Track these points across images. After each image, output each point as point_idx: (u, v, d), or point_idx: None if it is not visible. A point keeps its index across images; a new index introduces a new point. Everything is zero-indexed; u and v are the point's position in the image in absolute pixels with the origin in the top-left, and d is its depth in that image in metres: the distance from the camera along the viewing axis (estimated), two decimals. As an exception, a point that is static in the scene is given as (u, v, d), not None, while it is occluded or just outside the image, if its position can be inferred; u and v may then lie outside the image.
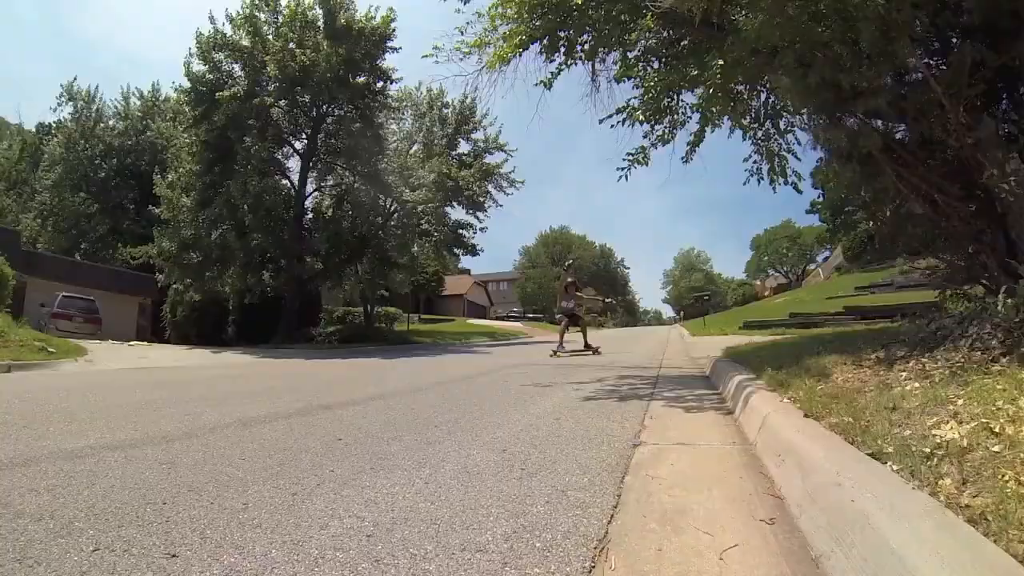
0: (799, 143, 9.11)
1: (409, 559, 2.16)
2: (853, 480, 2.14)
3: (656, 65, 8.73)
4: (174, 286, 29.29)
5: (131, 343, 24.05)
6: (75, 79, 43.36)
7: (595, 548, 2.26)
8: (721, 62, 6.89)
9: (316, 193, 30.48)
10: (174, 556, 2.20)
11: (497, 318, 68.42)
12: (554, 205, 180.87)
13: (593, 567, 2.12)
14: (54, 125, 44.71)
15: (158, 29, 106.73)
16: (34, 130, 49.20)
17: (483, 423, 5.07)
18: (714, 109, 8.07)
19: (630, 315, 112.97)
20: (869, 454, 2.45)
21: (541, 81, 8.71)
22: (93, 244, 40.46)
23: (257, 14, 25.74)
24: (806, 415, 3.42)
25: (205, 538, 2.38)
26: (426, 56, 9.09)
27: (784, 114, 8.96)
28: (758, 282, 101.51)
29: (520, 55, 8.51)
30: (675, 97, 8.79)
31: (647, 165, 8.80)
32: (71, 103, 42.45)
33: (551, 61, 8.55)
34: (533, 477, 3.27)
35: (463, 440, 4.32)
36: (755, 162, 9.34)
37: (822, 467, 2.44)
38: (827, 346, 6.62)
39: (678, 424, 4.84)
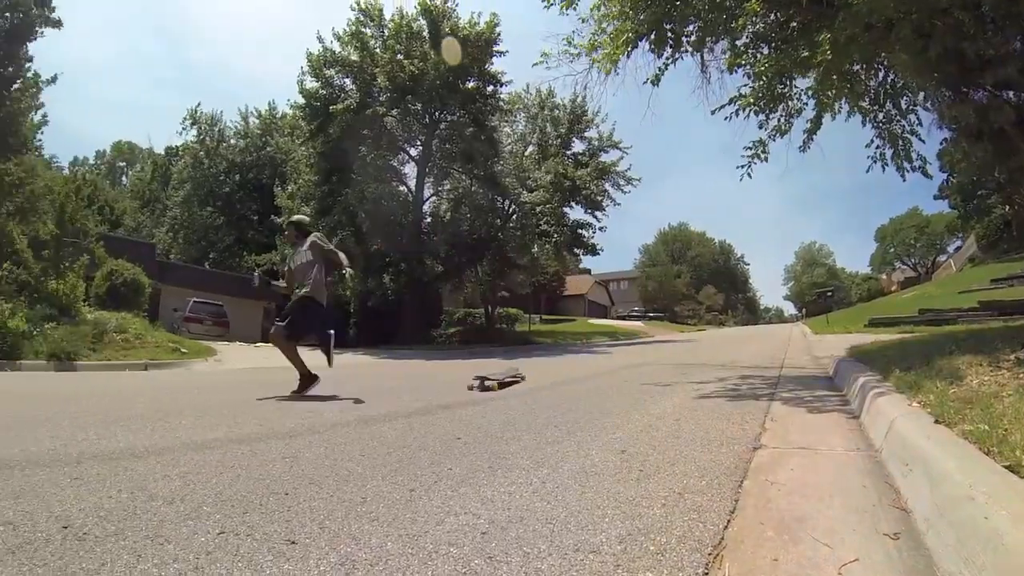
0: (922, 124, 8.57)
1: (522, 557, 2.18)
2: (987, 494, 1.94)
3: (766, 51, 8.45)
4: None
5: (257, 344, 25.60)
6: (199, 104, 47.76)
7: (709, 554, 2.21)
8: (832, 38, 6.56)
9: (434, 198, 31.62)
10: (293, 543, 2.32)
11: (618, 317, 67.99)
12: (671, 201, 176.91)
13: (707, 574, 2.07)
14: (181, 147, 49.02)
15: (268, 53, 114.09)
16: (163, 152, 53.99)
17: (602, 423, 5.06)
18: (830, 92, 7.73)
19: (751, 313, 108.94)
20: (1006, 466, 2.23)
21: (648, 79, 8.68)
22: (221, 253, 43.86)
23: (363, 30, 27.23)
24: (937, 421, 3.15)
25: (324, 528, 2.49)
26: (536, 64, 9.34)
27: (905, 93, 8.46)
28: (884, 276, 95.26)
29: (628, 55, 8.50)
30: (788, 83, 8.50)
31: (766, 160, 8.57)
32: (195, 126, 47.01)
33: (660, 56, 8.47)
34: (650, 479, 3.23)
35: (582, 440, 4.31)
36: (878, 147, 8.87)
37: (953, 479, 2.22)
38: (960, 345, 6.13)
39: (799, 427, 4.65)
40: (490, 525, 2.52)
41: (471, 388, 7.82)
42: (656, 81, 8.60)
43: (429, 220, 30.95)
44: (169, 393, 8.17)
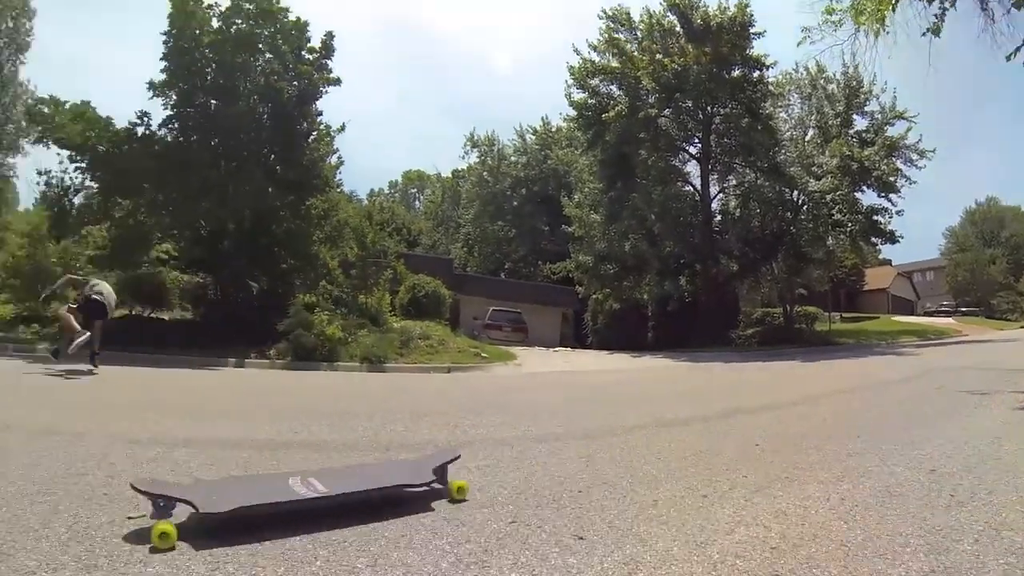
0: None
1: (808, 579, 2.07)
2: None
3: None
4: (593, 296, 32.26)
5: (555, 349, 26.80)
6: (474, 129, 52.11)
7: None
8: None
9: (720, 195, 30.86)
10: (581, 538, 2.43)
11: (925, 313, 60.00)
12: (973, 173, 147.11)
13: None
14: (465, 169, 53.86)
15: (527, 72, 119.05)
16: (451, 175, 59.33)
17: (910, 436, 4.59)
18: None
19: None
20: None
21: (928, 29, 7.65)
22: (515, 264, 46.97)
23: (616, 35, 27.41)
24: None
25: (612, 527, 2.57)
26: (800, 42, 8.82)
27: None
28: None
29: (894, 8, 7.59)
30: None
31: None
32: (475, 149, 51.27)
33: (930, 1, 7.42)
34: (963, 507, 2.85)
35: (887, 454, 3.95)
36: None
37: None
38: None
39: None
40: (781, 540, 2.42)
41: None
42: (936, 31, 7.60)
43: (719, 218, 30.24)
44: (471, 393, 8.93)
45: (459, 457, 3.32)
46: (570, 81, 27.86)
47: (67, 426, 4.70)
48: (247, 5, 14.76)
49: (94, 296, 9.68)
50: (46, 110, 14.05)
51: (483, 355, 16.13)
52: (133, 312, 15.78)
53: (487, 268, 47.11)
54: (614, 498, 3.01)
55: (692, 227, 28.52)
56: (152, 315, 16.07)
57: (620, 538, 2.43)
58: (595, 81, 27.75)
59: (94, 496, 2.93)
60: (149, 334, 13.74)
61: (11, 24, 33.41)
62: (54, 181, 14.47)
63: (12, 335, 13.62)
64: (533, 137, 48.94)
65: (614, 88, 27.66)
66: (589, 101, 27.62)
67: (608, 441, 4.57)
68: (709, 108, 27.70)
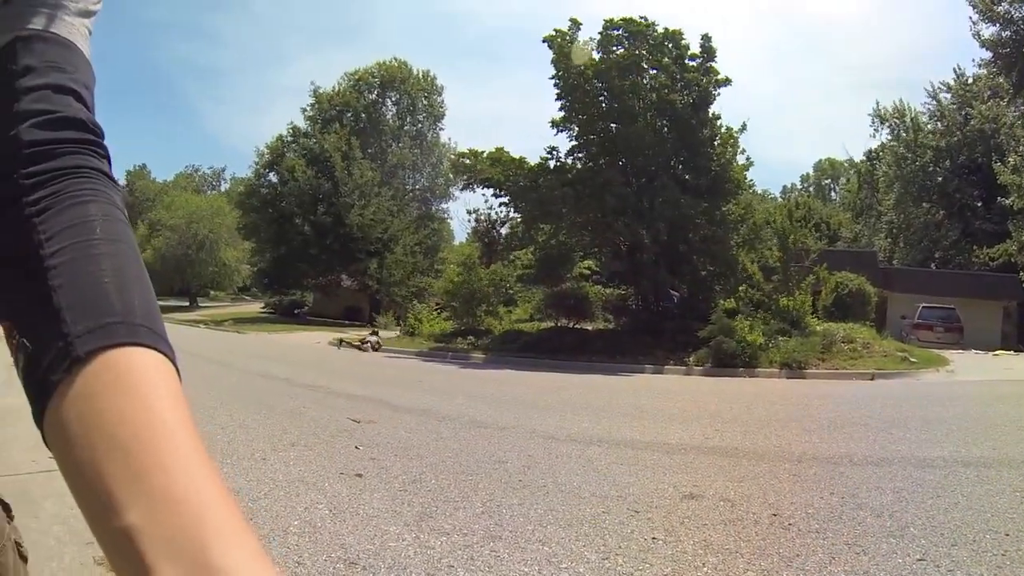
0: None
1: None
2: None
3: None
4: (1052, 285, 26.89)
5: (995, 353, 22.98)
6: (877, 102, 46.61)
7: None
8: None
9: None
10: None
11: None
12: None
13: None
14: (878, 149, 48.18)
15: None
16: (864, 159, 53.82)
17: None
18: None
19: None
20: None
21: None
22: (946, 251, 40.88)
23: None
24: None
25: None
26: None
27: None
28: None
29: None
30: None
31: None
32: (885, 124, 45.90)
33: None
34: None
35: None
36: None
37: None
38: None
39: None
40: None
41: None
42: None
43: None
44: (895, 404, 8.08)
45: None
46: (974, 17, 23.32)
47: (494, 420, 5.56)
48: (615, 32, 15.67)
49: None
50: (467, 161, 16.72)
51: (911, 359, 14.65)
52: (558, 324, 17.58)
53: (914, 259, 41.96)
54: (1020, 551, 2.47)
55: None
56: (575, 326, 17.63)
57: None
58: (1004, 6, 22.65)
59: (511, 481, 3.47)
60: (572, 343, 15.30)
61: (426, 102, 42.50)
62: (482, 217, 17.30)
63: (452, 345, 16.66)
64: (948, 96, 42.21)
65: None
66: (1003, 34, 22.71)
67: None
68: None
